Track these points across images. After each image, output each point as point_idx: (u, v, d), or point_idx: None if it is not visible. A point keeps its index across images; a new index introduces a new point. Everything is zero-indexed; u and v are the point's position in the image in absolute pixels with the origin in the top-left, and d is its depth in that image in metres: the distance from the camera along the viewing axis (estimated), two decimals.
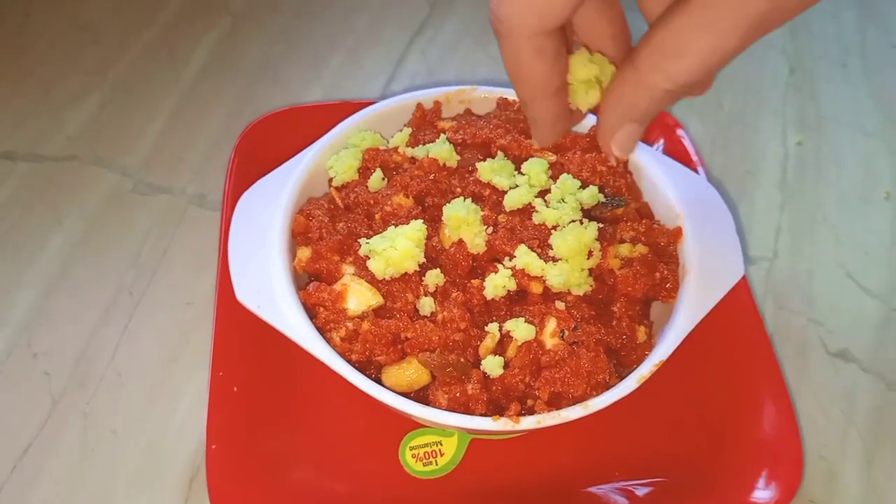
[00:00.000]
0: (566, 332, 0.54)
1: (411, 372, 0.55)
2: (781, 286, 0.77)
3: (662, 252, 0.61)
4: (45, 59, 0.93)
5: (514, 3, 0.45)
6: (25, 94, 0.89)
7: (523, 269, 0.56)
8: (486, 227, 0.59)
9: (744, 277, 0.62)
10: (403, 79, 0.94)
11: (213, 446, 0.58)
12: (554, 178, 0.62)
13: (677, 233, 0.61)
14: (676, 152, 0.77)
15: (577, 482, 0.61)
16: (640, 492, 0.61)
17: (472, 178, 0.62)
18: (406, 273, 0.56)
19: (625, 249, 0.59)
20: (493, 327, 0.56)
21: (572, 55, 0.52)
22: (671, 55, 0.43)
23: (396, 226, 0.58)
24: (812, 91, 0.97)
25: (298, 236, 0.61)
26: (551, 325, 0.55)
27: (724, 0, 0.40)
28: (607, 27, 0.52)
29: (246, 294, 0.56)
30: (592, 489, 0.61)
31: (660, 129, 0.81)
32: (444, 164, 0.63)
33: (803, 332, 0.74)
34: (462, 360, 0.54)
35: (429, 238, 0.58)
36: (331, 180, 0.64)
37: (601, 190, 0.62)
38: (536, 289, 0.56)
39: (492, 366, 0.54)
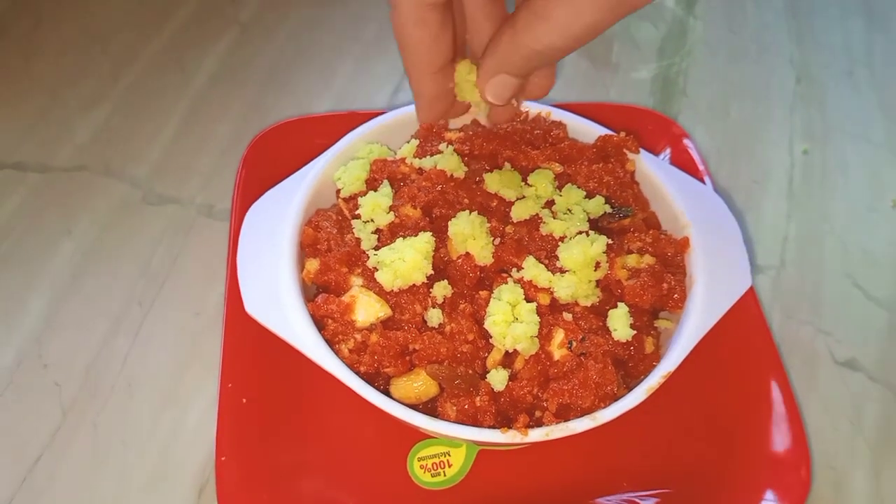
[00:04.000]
0: (574, 344, 0.55)
1: (419, 384, 0.55)
2: (789, 295, 0.77)
3: (670, 262, 0.61)
4: (54, 67, 0.94)
5: None
6: (35, 102, 0.90)
7: (531, 281, 0.57)
8: (493, 238, 0.59)
9: (751, 287, 0.62)
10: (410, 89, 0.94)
11: (223, 458, 0.58)
12: (561, 188, 0.62)
13: (684, 243, 0.61)
14: (683, 162, 0.77)
15: (584, 493, 0.61)
16: (648, 503, 0.61)
17: (479, 190, 0.62)
18: (414, 285, 0.57)
19: (632, 260, 0.59)
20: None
21: (459, 62, 0.59)
22: (540, 18, 0.47)
23: (405, 237, 0.58)
24: (819, 100, 0.97)
25: (307, 248, 0.61)
26: (559, 336, 0.55)
27: None
28: (490, 27, 0.55)
29: (255, 306, 0.57)
30: (600, 500, 0.61)
31: (666, 138, 0.81)
32: (452, 176, 0.63)
33: (811, 341, 0.74)
34: (470, 371, 0.54)
35: (436, 249, 0.58)
36: (339, 192, 0.65)
37: (608, 200, 0.63)
38: (544, 300, 0.57)
39: (496, 380, 0.54)
